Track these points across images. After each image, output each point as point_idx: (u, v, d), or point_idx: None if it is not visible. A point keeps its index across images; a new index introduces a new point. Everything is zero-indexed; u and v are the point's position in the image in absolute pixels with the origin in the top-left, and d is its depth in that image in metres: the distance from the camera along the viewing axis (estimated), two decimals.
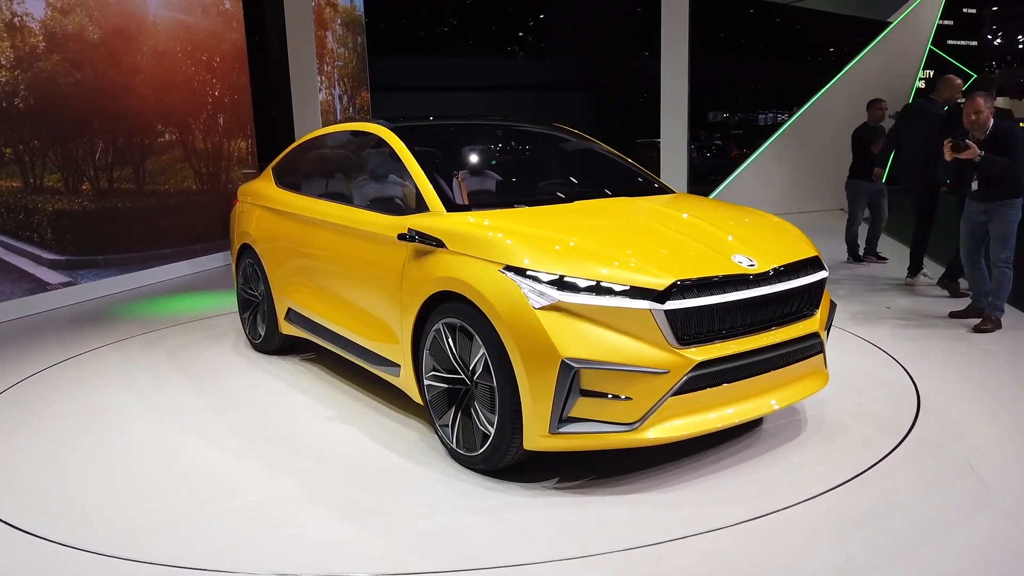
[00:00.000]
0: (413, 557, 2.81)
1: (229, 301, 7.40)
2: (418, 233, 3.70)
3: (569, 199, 4.08)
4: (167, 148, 8.95)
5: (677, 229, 3.58)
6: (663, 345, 3.08)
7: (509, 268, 3.22)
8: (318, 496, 3.31)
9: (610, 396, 3.06)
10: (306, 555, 2.84)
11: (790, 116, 16.00)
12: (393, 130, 4.33)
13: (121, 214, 8.29)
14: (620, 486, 3.29)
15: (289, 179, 5.37)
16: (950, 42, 17.88)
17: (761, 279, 3.29)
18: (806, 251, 3.62)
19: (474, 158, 4.52)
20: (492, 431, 3.29)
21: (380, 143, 4.40)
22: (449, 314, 3.48)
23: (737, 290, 3.22)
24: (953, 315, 5.94)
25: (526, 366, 3.09)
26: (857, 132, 8.49)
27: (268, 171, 5.68)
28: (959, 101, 6.76)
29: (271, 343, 5.44)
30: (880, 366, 4.80)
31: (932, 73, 20.27)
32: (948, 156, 5.45)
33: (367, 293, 4.14)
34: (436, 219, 3.71)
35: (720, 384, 3.21)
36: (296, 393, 4.67)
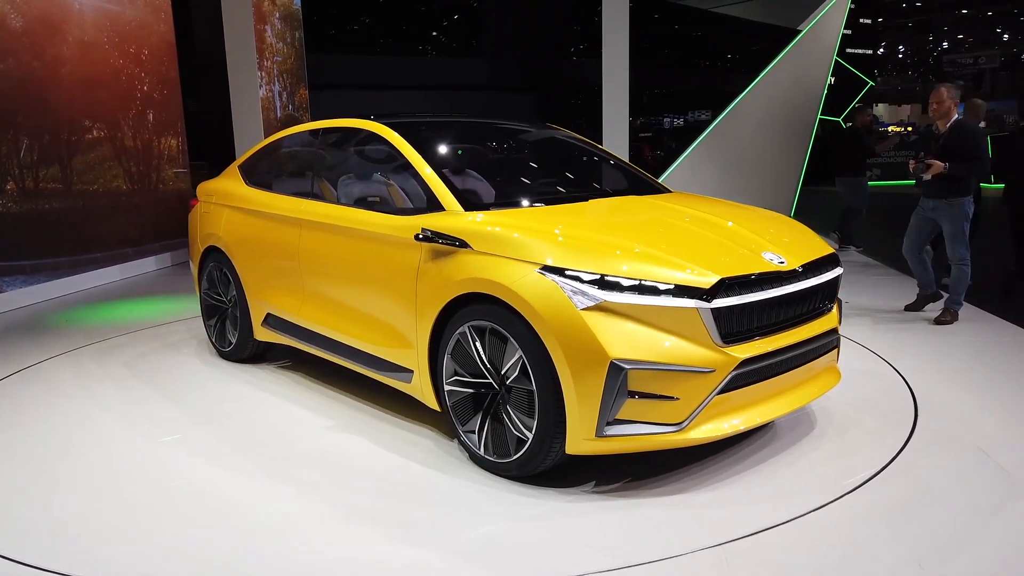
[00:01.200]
0: (479, 570, 2.69)
1: (176, 307, 7.02)
2: (436, 233, 3.56)
3: (583, 198, 4.02)
4: (95, 145, 8.41)
5: (703, 227, 3.58)
6: (708, 344, 3.06)
7: (547, 268, 3.14)
8: (352, 513, 3.13)
9: (657, 397, 3.01)
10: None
11: (709, 119, 16.47)
12: (393, 127, 4.17)
13: (49, 216, 7.72)
14: (658, 488, 3.25)
15: (262, 178, 5.11)
16: (849, 50, 18.76)
17: (792, 276, 3.32)
18: (824, 248, 3.68)
19: (477, 157, 4.40)
20: (530, 436, 3.19)
21: (378, 141, 4.22)
22: (477, 316, 3.36)
23: (772, 287, 3.23)
24: (908, 308, 6.21)
25: (572, 368, 3.01)
26: (849, 132, 9.54)
27: (234, 169, 5.39)
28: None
29: (243, 351, 5.16)
30: (863, 360, 4.94)
31: (833, 80, 21.16)
32: (923, 175, 5.66)
33: (373, 297, 3.96)
34: (456, 219, 3.58)
35: (757, 381, 3.22)
36: (284, 403, 4.43)
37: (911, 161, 5.74)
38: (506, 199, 4.06)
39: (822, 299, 3.55)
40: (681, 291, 3.03)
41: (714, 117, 16.20)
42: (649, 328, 3.02)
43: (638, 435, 3.05)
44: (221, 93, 9.11)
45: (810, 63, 17.99)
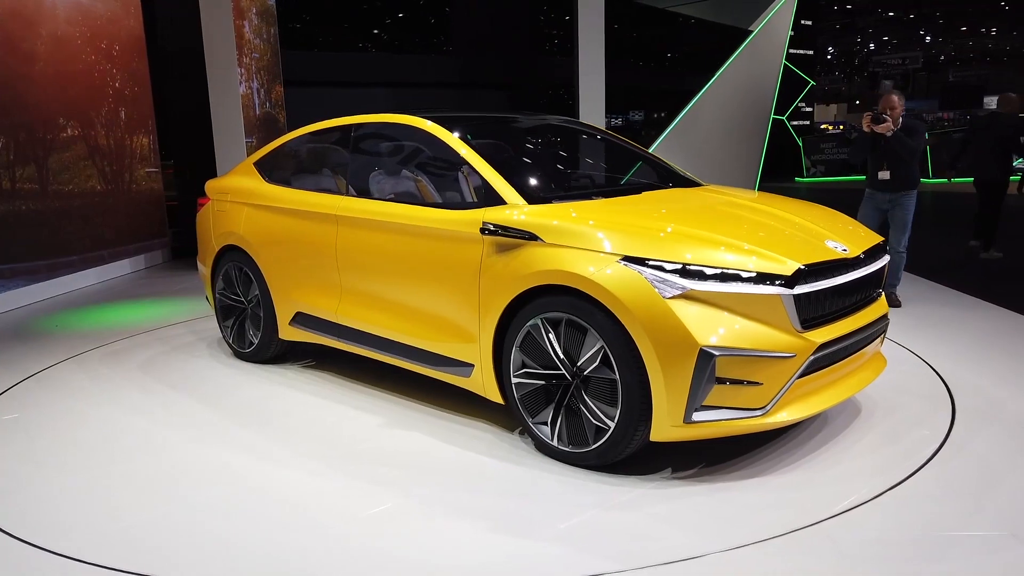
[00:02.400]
0: (586, 557, 2.71)
1: (168, 310, 6.83)
2: (501, 227, 3.56)
3: (636, 190, 4.07)
4: (70, 144, 8.10)
5: (763, 217, 3.67)
6: (789, 329, 3.14)
7: (629, 259, 3.17)
8: (441, 507, 3.11)
9: (743, 382, 3.08)
10: (492, 570, 2.68)
11: (666, 117, 16.81)
12: (439, 123, 4.14)
13: (26, 218, 7.41)
14: (733, 473, 3.32)
15: (286, 175, 5.02)
16: (792, 51, 19.37)
17: (855, 263, 3.43)
18: (872, 236, 3.82)
19: (523, 151, 4.40)
20: (611, 425, 3.23)
21: (422, 137, 4.20)
22: (551, 308, 3.37)
23: (841, 274, 3.34)
24: None
25: (660, 357, 3.05)
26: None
27: (248, 166, 5.28)
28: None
29: (265, 351, 5.06)
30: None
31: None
32: (866, 127, 5.99)
33: (428, 292, 3.93)
34: (521, 212, 3.58)
35: (827, 366, 3.32)
36: (328, 402, 4.36)
37: (866, 115, 6.01)
38: (563, 192, 4.07)
39: (875, 285, 3.69)
40: (763, 278, 3.11)
41: (672, 115, 16.54)
42: (733, 315, 3.09)
43: (723, 420, 3.12)
44: (197, 90, 8.87)
45: (762, 62, 18.52)
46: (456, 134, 4.03)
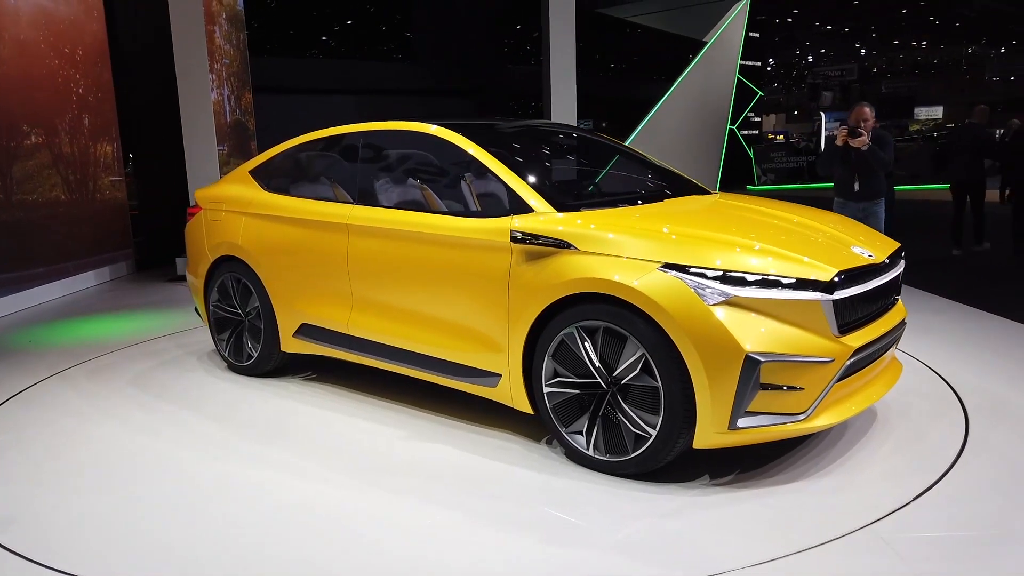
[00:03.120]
0: (645, 567, 2.69)
1: (145, 324, 6.61)
2: (531, 235, 3.53)
3: (657, 198, 4.08)
4: (33, 152, 7.78)
5: (790, 224, 3.71)
6: (827, 334, 3.18)
7: (669, 266, 3.18)
8: (486, 519, 3.06)
9: (784, 388, 3.11)
10: None
11: (613, 126, 17.01)
12: (457, 131, 4.10)
13: None
14: (770, 479, 3.33)
15: (286, 184, 4.90)
16: (740, 62, 19.86)
17: (882, 268, 3.50)
18: (891, 242, 3.90)
19: (542, 158, 4.37)
20: (653, 432, 3.22)
21: (440, 145, 4.14)
22: (588, 317, 3.35)
23: (872, 279, 3.40)
24: None
25: (705, 363, 3.06)
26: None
27: (243, 175, 5.14)
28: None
29: (265, 364, 4.92)
30: None
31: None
32: (840, 141, 6.13)
33: (451, 301, 3.87)
34: (552, 220, 3.56)
35: (860, 370, 3.37)
36: (340, 415, 4.26)
37: (840, 128, 6.15)
38: (588, 199, 4.04)
39: (896, 291, 3.76)
40: (803, 284, 3.15)
41: (625, 123, 16.71)
42: (774, 321, 3.12)
43: (766, 426, 3.14)
44: (164, 97, 8.62)
45: (717, 73, 18.89)
46: (477, 143, 3.98)
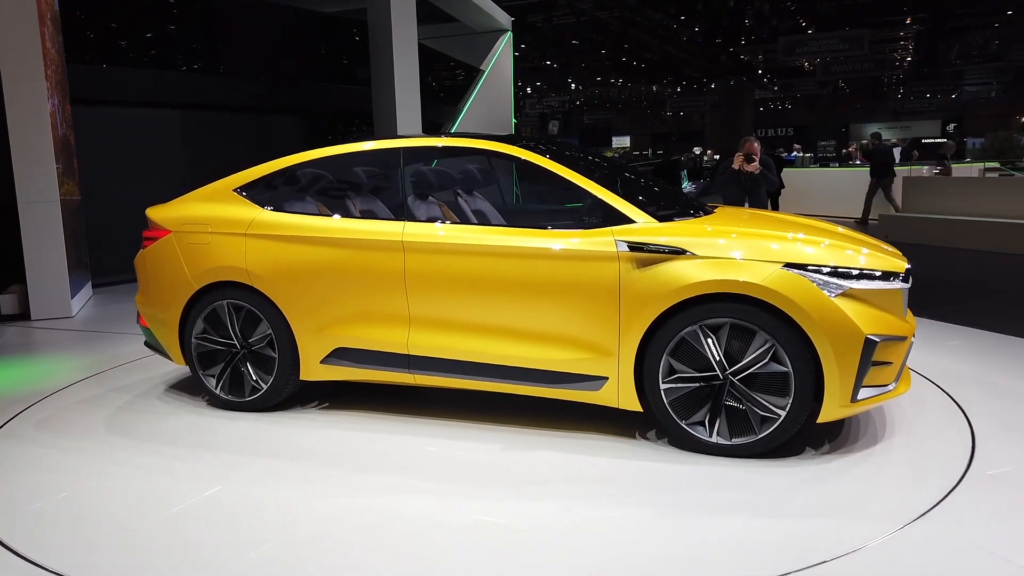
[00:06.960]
0: (825, 527, 3.05)
1: (67, 365, 5.66)
2: (642, 244, 3.78)
3: (705, 210, 4.49)
4: None
5: (827, 231, 4.32)
6: (902, 316, 3.82)
7: (790, 265, 3.62)
8: (659, 511, 3.27)
9: (884, 363, 3.68)
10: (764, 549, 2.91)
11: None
12: (534, 151, 4.25)
13: None
14: (852, 456, 3.77)
15: (296, 202, 4.60)
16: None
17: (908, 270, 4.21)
18: (891, 247, 4.62)
19: (606, 175, 4.51)
20: (783, 413, 3.62)
21: (518, 164, 4.26)
22: (711, 315, 3.68)
23: (910, 274, 4.10)
24: None
25: (834, 347, 3.53)
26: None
27: (226, 192, 4.70)
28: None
29: (275, 396, 4.56)
30: None
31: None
32: (737, 165, 7.51)
33: (547, 312, 3.94)
34: (660, 229, 3.83)
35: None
36: (411, 437, 4.12)
37: (738, 155, 7.51)
38: (672, 211, 4.27)
39: None
40: (887, 276, 3.75)
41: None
42: (874, 308, 3.68)
43: (872, 397, 3.69)
44: None
45: (497, 98, 19.89)
46: (559, 162, 4.15)
